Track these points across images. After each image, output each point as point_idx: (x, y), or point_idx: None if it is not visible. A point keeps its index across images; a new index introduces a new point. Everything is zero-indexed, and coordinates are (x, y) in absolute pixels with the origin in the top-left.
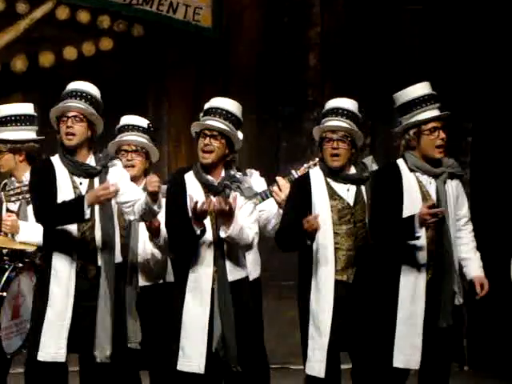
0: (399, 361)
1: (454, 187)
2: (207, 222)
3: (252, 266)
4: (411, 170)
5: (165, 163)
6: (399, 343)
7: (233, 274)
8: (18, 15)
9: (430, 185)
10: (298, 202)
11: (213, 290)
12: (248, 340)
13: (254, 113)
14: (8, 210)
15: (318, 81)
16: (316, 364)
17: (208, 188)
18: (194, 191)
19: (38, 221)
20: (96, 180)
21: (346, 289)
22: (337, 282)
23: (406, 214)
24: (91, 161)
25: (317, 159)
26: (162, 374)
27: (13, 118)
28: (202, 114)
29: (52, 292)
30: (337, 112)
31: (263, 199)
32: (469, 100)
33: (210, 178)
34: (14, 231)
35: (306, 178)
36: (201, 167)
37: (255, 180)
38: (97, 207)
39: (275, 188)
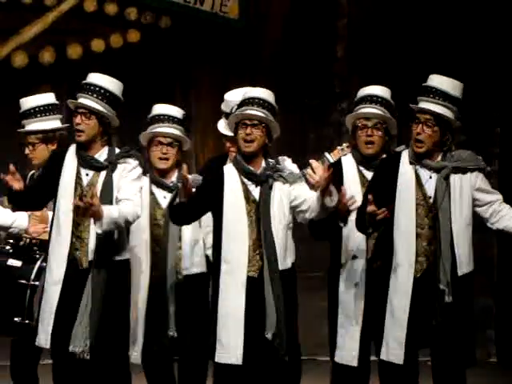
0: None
1: (461, 181)
2: (244, 211)
3: (287, 256)
4: (411, 163)
5: (192, 155)
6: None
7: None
8: (46, 8)
9: (430, 179)
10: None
11: (252, 279)
12: (291, 329)
13: (280, 104)
14: None
15: (345, 72)
16: (347, 353)
17: (250, 178)
18: (233, 182)
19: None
20: (102, 174)
21: (378, 276)
22: (369, 273)
23: (397, 204)
24: (103, 155)
25: (347, 144)
26: (193, 365)
27: (41, 109)
28: (234, 106)
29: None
30: (371, 99)
31: (289, 183)
32: (497, 90)
33: (251, 167)
34: (43, 222)
35: (337, 165)
36: (242, 157)
37: (288, 166)
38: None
39: (309, 170)
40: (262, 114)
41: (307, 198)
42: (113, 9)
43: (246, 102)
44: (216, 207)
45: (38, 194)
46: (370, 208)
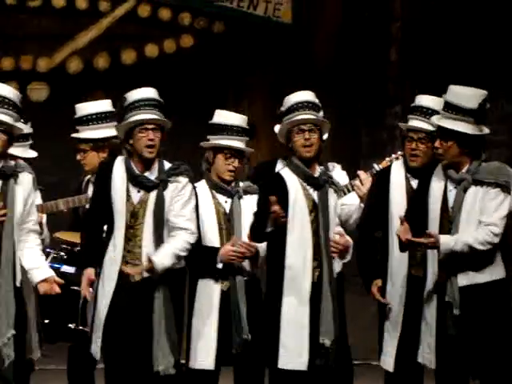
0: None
1: (477, 194)
2: (308, 216)
3: (335, 261)
4: (434, 176)
5: (244, 159)
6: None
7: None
8: (101, 13)
9: (453, 191)
10: (376, 197)
11: (312, 285)
12: (344, 335)
13: (334, 108)
14: None
15: (399, 76)
16: (387, 358)
17: (309, 182)
18: (295, 187)
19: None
20: (152, 194)
21: (421, 284)
22: (410, 277)
23: (429, 216)
24: (154, 171)
25: (399, 153)
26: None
27: (93, 117)
28: (280, 111)
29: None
30: (420, 110)
31: (345, 193)
32: None
33: (310, 171)
34: None
35: (385, 173)
36: (301, 162)
37: (337, 173)
38: (149, 212)
39: (357, 182)
40: (318, 118)
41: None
42: (166, 14)
43: (297, 107)
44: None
45: (100, 218)
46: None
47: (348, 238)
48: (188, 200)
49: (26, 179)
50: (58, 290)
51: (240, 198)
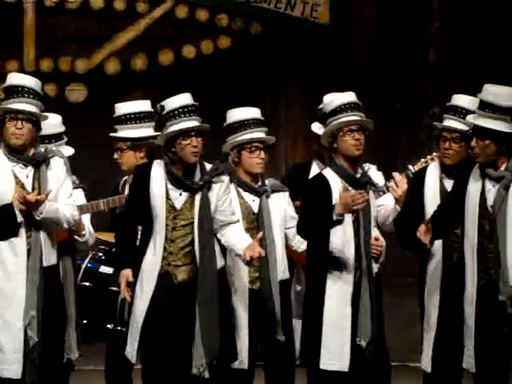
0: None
1: None
2: (348, 218)
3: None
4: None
5: (282, 160)
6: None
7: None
8: (139, 14)
9: (492, 189)
10: (412, 197)
11: (353, 285)
12: (382, 336)
13: (372, 109)
14: None
15: (437, 76)
16: (425, 358)
17: (351, 183)
18: (336, 186)
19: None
20: (198, 196)
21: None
22: (446, 277)
23: (466, 215)
24: (197, 173)
25: (434, 154)
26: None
27: (132, 116)
28: (324, 112)
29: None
30: (455, 110)
31: (380, 195)
32: None
33: (353, 173)
34: None
35: (421, 174)
36: (345, 163)
37: (373, 174)
38: (196, 213)
39: (392, 184)
40: (367, 119)
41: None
42: (204, 15)
43: (345, 108)
44: (325, 213)
45: (135, 220)
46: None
47: (382, 239)
48: (230, 196)
49: (56, 163)
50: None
51: (268, 196)
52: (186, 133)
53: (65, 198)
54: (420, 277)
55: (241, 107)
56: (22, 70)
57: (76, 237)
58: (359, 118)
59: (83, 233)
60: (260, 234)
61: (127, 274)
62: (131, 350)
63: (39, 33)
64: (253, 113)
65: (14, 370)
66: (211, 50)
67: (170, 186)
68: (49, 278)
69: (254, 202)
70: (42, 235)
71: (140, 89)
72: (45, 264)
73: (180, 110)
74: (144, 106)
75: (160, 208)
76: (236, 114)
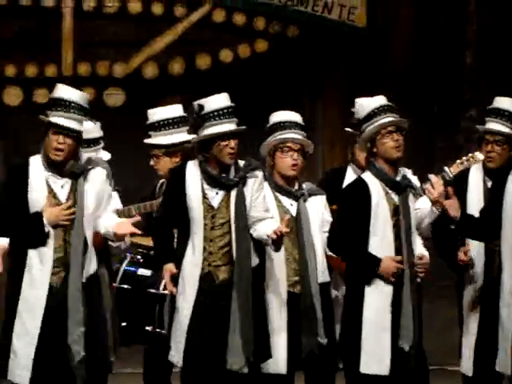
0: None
1: None
2: (390, 220)
3: None
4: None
5: (319, 164)
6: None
7: None
8: (176, 19)
9: None
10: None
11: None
12: (421, 339)
13: (408, 111)
14: None
15: (474, 79)
16: (465, 363)
17: (391, 186)
18: (376, 190)
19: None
20: (233, 193)
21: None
22: (487, 279)
23: (506, 222)
24: (232, 170)
25: (470, 155)
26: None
27: (165, 122)
28: (359, 115)
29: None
30: (498, 113)
31: (416, 198)
32: None
33: (393, 177)
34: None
35: (463, 177)
36: (386, 165)
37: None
38: (232, 210)
39: (428, 186)
40: (401, 119)
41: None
42: (241, 19)
43: (382, 110)
44: (365, 217)
45: (172, 223)
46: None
47: (427, 256)
48: (263, 194)
49: (98, 174)
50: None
51: (305, 200)
52: (224, 135)
53: (109, 211)
54: (458, 281)
55: (282, 111)
56: (60, 75)
57: (110, 242)
58: (397, 118)
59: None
60: (287, 216)
61: (170, 267)
62: (176, 354)
63: (77, 37)
64: (291, 116)
65: (24, 376)
66: (248, 53)
67: (205, 186)
68: (89, 288)
69: (291, 205)
70: (80, 247)
71: (177, 93)
72: (85, 276)
73: (220, 112)
74: (177, 111)
75: (198, 208)
76: (275, 117)
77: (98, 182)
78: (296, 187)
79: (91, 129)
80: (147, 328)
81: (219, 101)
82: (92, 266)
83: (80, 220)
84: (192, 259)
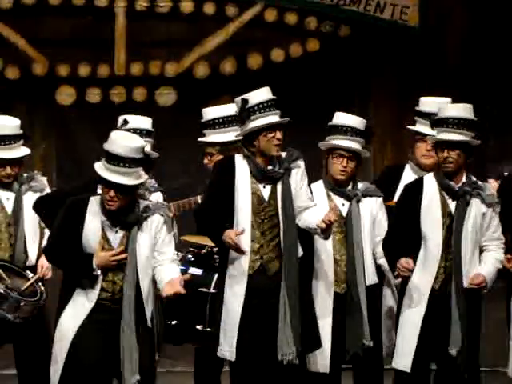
0: None
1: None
2: (440, 224)
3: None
4: None
5: (370, 164)
6: None
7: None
8: (228, 18)
9: None
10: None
11: (435, 291)
12: (475, 345)
13: None
14: None
15: None
16: None
17: (448, 192)
18: (430, 192)
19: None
20: (279, 185)
21: None
22: None
23: None
24: (277, 164)
25: None
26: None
27: (220, 121)
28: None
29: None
30: None
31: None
32: None
33: (451, 183)
34: None
35: None
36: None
37: (488, 187)
38: (280, 202)
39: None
40: (465, 138)
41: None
42: (293, 18)
43: (450, 123)
44: (414, 217)
45: (219, 213)
46: None
47: (483, 275)
48: (307, 182)
49: (155, 222)
50: (181, 290)
51: (358, 201)
52: (270, 127)
53: (170, 260)
54: (509, 282)
55: (346, 113)
56: (112, 74)
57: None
58: (463, 137)
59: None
60: (333, 204)
61: (229, 230)
62: (229, 349)
63: (129, 37)
64: (351, 120)
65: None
66: (300, 53)
67: (253, 180)
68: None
69: (343, 205)
70: (132, 294)
71: (229, 92)
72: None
73: (265, 104)
74: (231, 109)
75: (247, 202)
76: (336, 118)
77: (154, 229)
78: (350, 187)
79: (145, 120)
80: (198, 327)
81: (262, 94)
82: (148, 312)
83: (133, 268)
84: (238, 254)
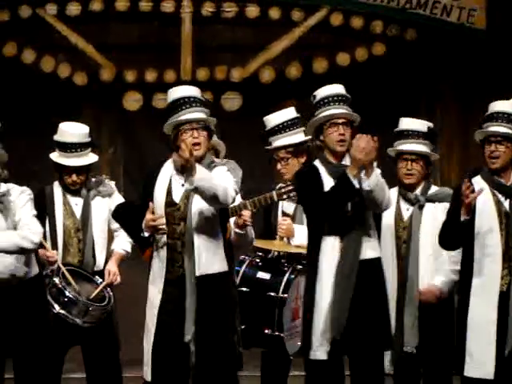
0: None
1: None
2: (497, 224)
3: None
4: None
5: (438, 167)
6: None
7: None
8: (294, 23)
9: None
10: None
11: (501, 293)
12: None
13: None
14: (284, 214)
15: None
16: None
17: (499, 190)
18: (485, 193)
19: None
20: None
21: None
22: None
23: None
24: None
25: None
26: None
27: (284, 125)
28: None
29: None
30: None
31: None
32: None
33: (501, 180)
34: (289, 235)
35: None
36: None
37: None
38: None
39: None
40: (506, 130)
41: None
42: (359, 22)
43: (493, 117)
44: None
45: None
46: None
47: None
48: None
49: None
50: None
51: (421, 206)
52: (333, 120)
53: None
54: None
55: (413, 118)
56: (178, 79)
57: (237, 230)
58: (497, 128)
59: None
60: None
61: None
62: (323, 349)
63: (196, 42)
64: (415, 125)
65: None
66: (366, 57)
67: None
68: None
69: (407, 210)
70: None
71: (294, 97)
72: (197, 274)
73: (330, 99)
74: (291, 113)
75: None
76: (401, 123)
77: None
78: (418, 191)
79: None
80: (266, 331)
81: (331, 88)
82: (214, 265)
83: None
84: (330, 254)
